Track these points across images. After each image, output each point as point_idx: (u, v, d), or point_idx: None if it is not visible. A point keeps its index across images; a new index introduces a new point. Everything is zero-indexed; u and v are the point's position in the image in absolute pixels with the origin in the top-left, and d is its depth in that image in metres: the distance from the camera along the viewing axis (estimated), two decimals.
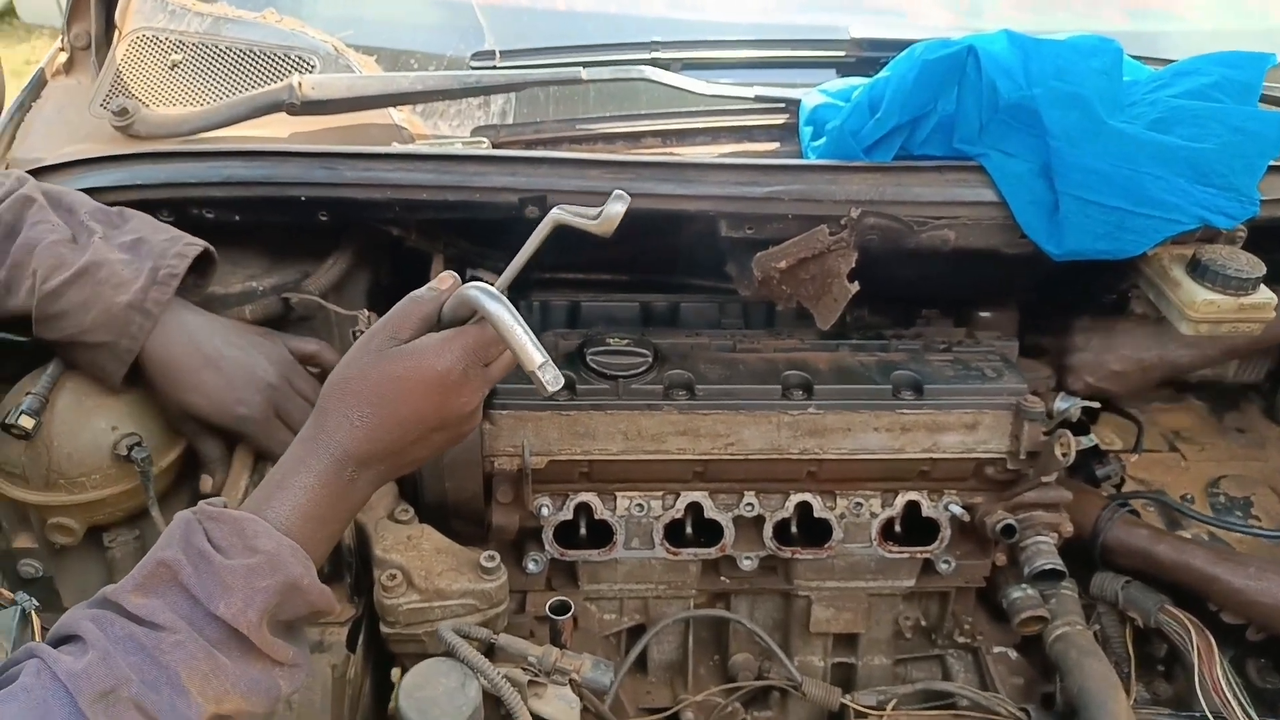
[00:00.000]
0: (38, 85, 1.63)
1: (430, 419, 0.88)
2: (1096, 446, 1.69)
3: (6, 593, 0.98)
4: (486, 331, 0.88)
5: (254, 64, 1.55)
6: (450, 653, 1.02)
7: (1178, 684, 1.48)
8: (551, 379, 0.83)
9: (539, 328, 1.53)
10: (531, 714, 1.01)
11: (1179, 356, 1.55)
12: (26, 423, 1.09)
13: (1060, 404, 1.44)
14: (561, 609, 1.14)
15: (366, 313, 1.28)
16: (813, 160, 1.30)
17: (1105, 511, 1.50)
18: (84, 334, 1.11)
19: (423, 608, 1.20)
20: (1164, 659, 1.51)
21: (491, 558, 1.23)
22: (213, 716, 0.75)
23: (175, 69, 1.58)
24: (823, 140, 1.32)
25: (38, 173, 1.31)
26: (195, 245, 1.17)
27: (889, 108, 1.25)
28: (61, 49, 1.68)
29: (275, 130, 1.48)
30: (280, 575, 0.79)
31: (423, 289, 0.94)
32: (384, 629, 1.21)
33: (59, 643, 0.77)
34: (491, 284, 0.89)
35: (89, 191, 1.28)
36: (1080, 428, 1.72)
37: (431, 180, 1.25)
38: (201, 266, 1.21)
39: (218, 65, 1.56)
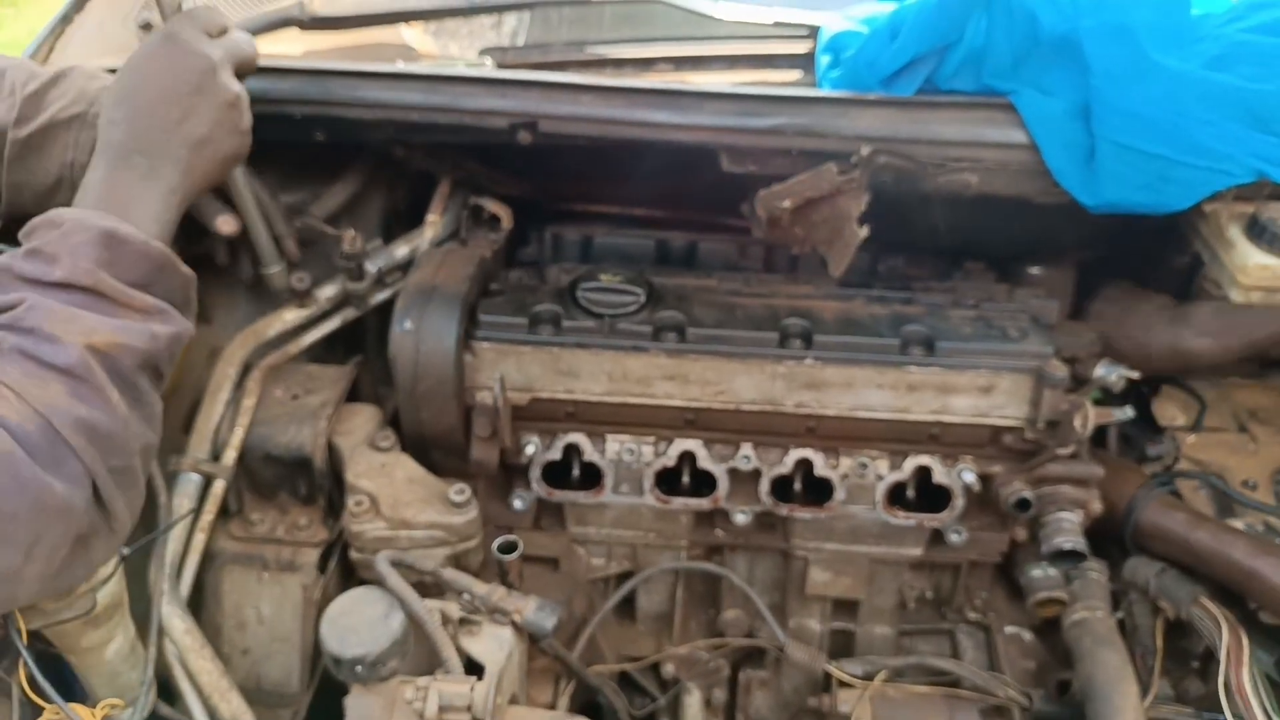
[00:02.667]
0: None
1: (175, 83, 0.93)
2: (1154, 422, 1.57)
3: None
4: None
5: None
6: (380, 582, 1.00)
7: (1212, 684, 1.36)
8: None
9: (549, 260, 1.49)
10: (459, 650, 0.99)
11: (1193, 346, 1.38)
12: None
13: (1101, 370, 1.32)
14: (508, 548, 1.11)
15: (352, 233, 1.26)
16: (823, 91, 1.20)
17: (1141, 491, 1.37)
18: (62, 111, 1.11)
19: (388, 536, 1.19)
20: (1200, 655, 1.38)
21: (461, 491, 1.21)
22: (87, 347, 0.79)
23: None
24: (839, 71, 1.22)
25: None
26: None
27: (908, 35, 1.14)
28: None
29: (291, 47, 1.46)
30: (91, 230, 0.83)
31: None
32: (352, 554, 1.22)
33: None
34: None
35: None
36: (1141, 400, 1.59)
37: (420, 101, 1.21)
38: None
39: None
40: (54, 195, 1.17)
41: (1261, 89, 1.08)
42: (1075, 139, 1.13)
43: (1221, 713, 1.25)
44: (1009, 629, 1.41)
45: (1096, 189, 1.13)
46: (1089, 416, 1.18)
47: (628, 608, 1.45)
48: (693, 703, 1.37)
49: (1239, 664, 1.21)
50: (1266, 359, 1.56)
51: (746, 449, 1.32)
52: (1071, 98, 1.13)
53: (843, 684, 1.30)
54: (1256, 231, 1.13)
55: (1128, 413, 1.28)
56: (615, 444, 1.33)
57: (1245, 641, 1.23)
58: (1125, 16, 1.11)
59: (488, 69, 1.34)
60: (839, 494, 1.31)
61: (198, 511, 1.16)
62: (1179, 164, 1.09)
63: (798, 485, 1.34)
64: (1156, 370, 1.44)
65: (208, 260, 1.43)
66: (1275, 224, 1.12)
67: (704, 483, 1.34)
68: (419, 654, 1.03)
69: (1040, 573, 1.35)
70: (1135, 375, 1.30)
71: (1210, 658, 1.35)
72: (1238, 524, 1.38)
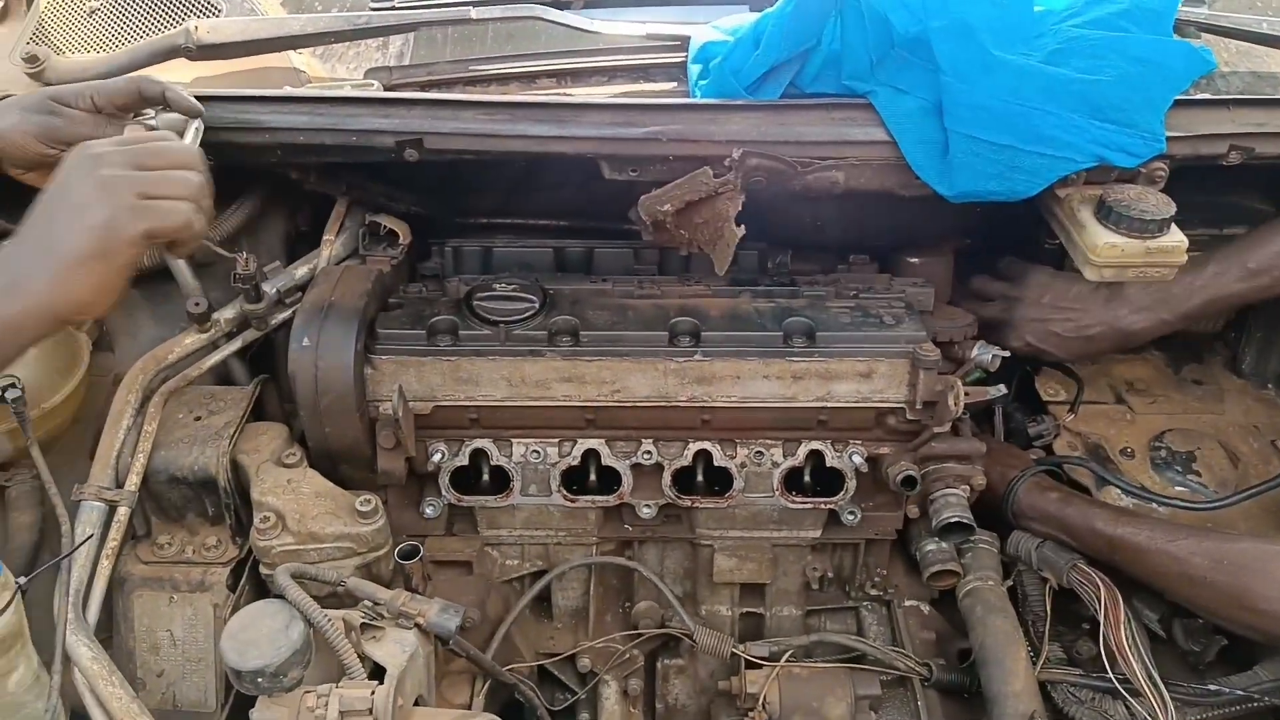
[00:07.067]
0: None
1: None
2: (1038, 401, 1.65)
3: None
4: None
5: (167, 9, 1.55)
6: (281, 594, 1.03)
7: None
8: None
9: (450, 272, 1.53)
10: (363, 657, 1.01)
11: (1130, 323, 1.45)
12: None
13: (976, 352, 1.39)
14: (410, 553, 1.14)
15: (245, 255, 1.28)
16: (694, 99, 1.26)
17: (1018, 475, 1.44)
18: None
19: (297, 550, 1.21)
20: (1090, 618, 1.45)
21: (367, 501, 1.23)
22: None
23: (94, 15, 1.59)
24: (708, 79, 1.27)
25: None
26: None
27: (769, 43, 1.19)
28: None
29: (181, 75, 1.48)
30: None
31: None
32: (262, 570, 1.23)
33: None
34: None
35: None
36: (1026, 379, 1.68)
37: (306, 123, 1.24)
38: None
39: (132, 10, 1.57)
40: None
41: (1097, 80, 1.16)
42: (930, 134, 1.20)
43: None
44: (908, 602, 1.48)
45: (952, 180, 1.20)
46: (960, 395, 1.24)
47: (544, 606, 1.48)
48: (610, 694, 1.41)
49: (1117, 624, 1.28)
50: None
51: (647, 444, 1.36)
52: (925, 95, 1.20)
53: (751, 665, 1.35)
54: (1104, 213, 1.21)
55: (1000, 390, 1.35)
56: (521, 447, 1.36)
57: (1122, 603, 1.30)
58: (969, 16, 1.18)
59: (373, 90, 1.37)
60: (738, 483, 1.36)
61: (102, 539, 1.16)
62: (1025, 153, 1.17)
63: (699, 476, 1.40)
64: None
65: None
66: (1120, 205, 1.20)
67: (609, 480, 1.38)
68: (329, 664, 1.06)
69: (934, 547, 1.42)
70: (1005, 354, 1.38)
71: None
72: (1112, 495, 1.47)
